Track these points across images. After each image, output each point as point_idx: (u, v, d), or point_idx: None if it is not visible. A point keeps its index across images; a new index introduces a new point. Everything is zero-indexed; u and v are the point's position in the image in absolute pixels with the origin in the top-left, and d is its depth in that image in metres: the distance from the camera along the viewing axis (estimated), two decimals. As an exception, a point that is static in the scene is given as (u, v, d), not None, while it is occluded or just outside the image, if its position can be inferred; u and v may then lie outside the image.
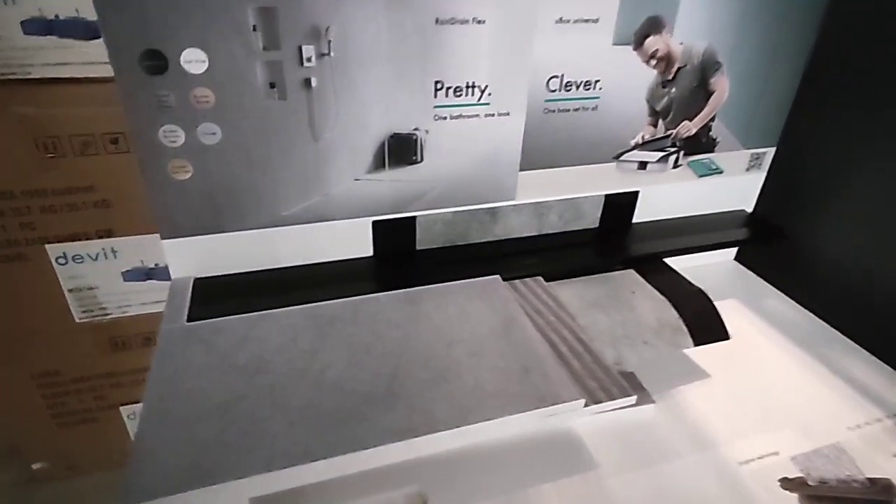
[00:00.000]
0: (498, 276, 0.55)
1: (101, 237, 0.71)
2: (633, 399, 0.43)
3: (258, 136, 0.48)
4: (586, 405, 0.42)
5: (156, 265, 0.74)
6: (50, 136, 0.63)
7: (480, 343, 0.46)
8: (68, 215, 0.68)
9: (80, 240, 0.70)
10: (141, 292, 0.76)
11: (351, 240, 0.57)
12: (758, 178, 0.72)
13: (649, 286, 0.58)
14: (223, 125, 0.47)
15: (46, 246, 0.70)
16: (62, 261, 0.72)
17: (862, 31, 0.59)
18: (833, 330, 0.64)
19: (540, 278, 0.57)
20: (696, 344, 0.53)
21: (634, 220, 0.69)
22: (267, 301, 0.51)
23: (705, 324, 0.55)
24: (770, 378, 0.56)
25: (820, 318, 0.66)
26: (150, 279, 0.75)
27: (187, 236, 0.51)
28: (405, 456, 0.38)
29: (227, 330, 0.46)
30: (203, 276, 0.54)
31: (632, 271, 0.61)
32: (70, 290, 0.74)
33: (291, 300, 0.51)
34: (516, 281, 0.56)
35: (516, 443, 0.47)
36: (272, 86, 0.47)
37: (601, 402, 0.42)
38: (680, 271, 0.67)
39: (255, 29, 0.44)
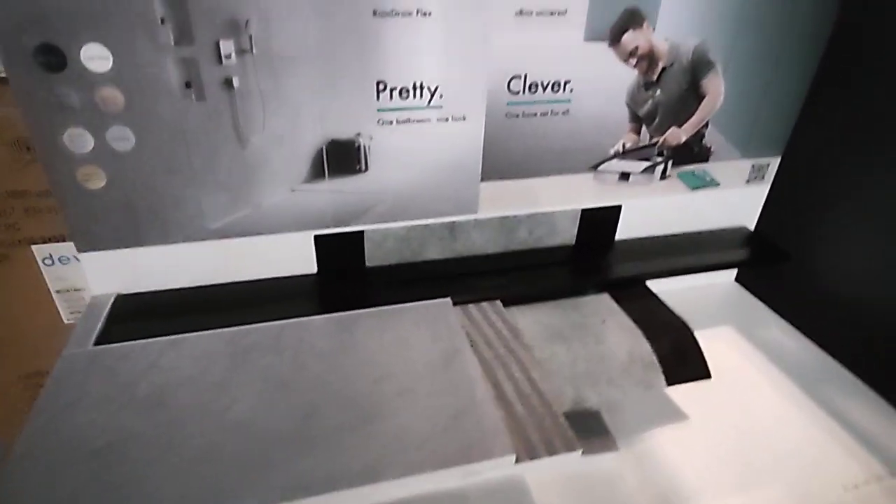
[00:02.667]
0: (448, 300, 0.49)
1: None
2: (576, 455, 0.37)
3: (176, 141, 0.44)
4: (518, 460, 0.36)
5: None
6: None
7: (414, 379, 0.40)
8: (52, 216, 0.65)
9: (66, 241, 0.68)
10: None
11: (292, 256, 0.52)
12: (760, 192, 0.64)
13: (624, 314, 0.51)
14: (136, 129, 0.43)
15: (32, 247, 0.67)
16: (48, 262, 0.69)
17: (881, 31, 0.51)
18: (837, 365, 0.57)
19: (498, 303, 0.51)
20: (670, 383, 0.47)
21: (617, 237, 0.62)
22: (192, 322, 0.46)
23: (682, 360, 0.48)
24: (759, 422, 0.49)
25: (825, 350, 0.58)
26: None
27: (106, 249, 0.47)
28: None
29: (134, 356, 0.42)
30: (127, 292, 0.50)
31: (606, 296, 0.54)
32: (57, 291, 0.72)
33: (219, 321, 0.46)
34: (471, 305, 0.50)
35: (446, 492, 0.41)
36: (188, 86, 0.42)
37: (538, 457, 0.36)
38: (674, 293, 0.60)
39: (163, 22, 0.39)
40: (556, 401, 0.43)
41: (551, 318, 0.51)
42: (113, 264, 0.48)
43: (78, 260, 0.67)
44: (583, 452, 0.43)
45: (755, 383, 0.54)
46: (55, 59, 0.39)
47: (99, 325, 0.45)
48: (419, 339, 0.44)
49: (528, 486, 0.43)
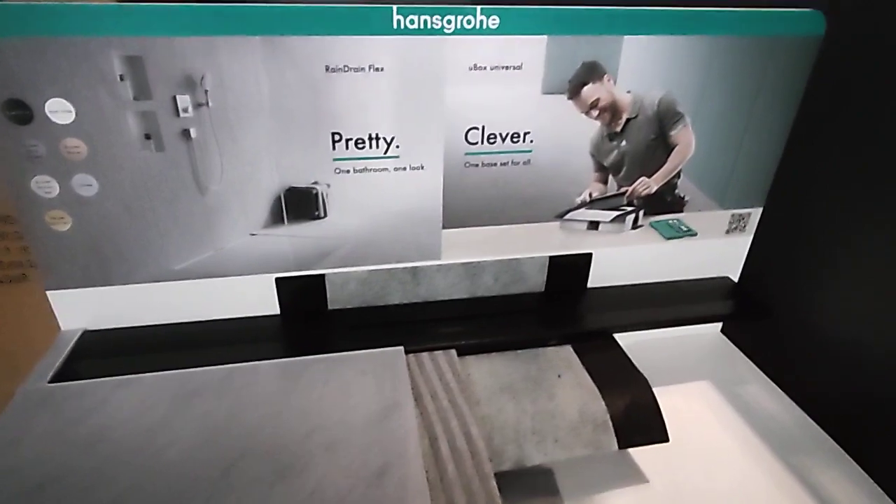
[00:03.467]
0: (401, 349, 0.49)
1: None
2: (499, 522, 0.36)
3: (137, 188, 0.46)
4: (438, 527, 0.35)
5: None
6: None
7: (347, 433, 0.40)
8: None
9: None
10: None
11: (255, 297, 0.53)
12: (743, 242, 0.62)
13: (582, 369, 0.50)
14: (98, 176, 0.45)
15: None
16: None
17: (862, 79, 0.49)
18: (818, 429, 0.53)
19: (452, 352, 0.50)
20: (622, 446, 0.45)
21: (590, 284, 0.61)
22: (151, 361, 0.48)
23: (638, 421, 0.46)
24: (722, 489, 0.47)
25: (808, 414, 0.55)
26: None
27: (74, 288, 0.49)
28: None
29: (85, 395, 0.43)
30: (94, 328, 0.52)
31: (568, 348, 0.53)
32: None
33: (177, 361, 0.47)
34: (424, 354, 0.50)
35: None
36: (148, 137, 0.44)
37: (460, 523, 0.35)
38: (655, 342, 0.58)
39: (122, 78, 0.42)
40: (494, 460, 0.42)
41: (507, 369, 0.50)
42: (81, 301, 0.50)
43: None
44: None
45: (725, 446, 0.52)
46: (22, 112, 0.41)
47: (59, 361, 0.47)
48: (362, 389, 0.44)
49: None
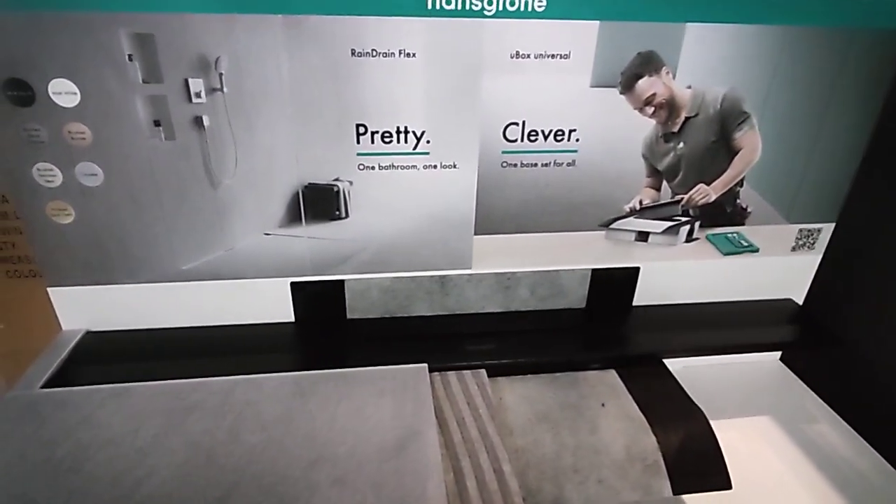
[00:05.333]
0: (424, 366, 0.44)
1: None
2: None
3: (145, 179, 0.42)
4: (462, 585, 0.29)
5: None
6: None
7: (358, 465, 0.35)
8: None
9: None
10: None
11: (267, 302, 0.49)
12: (810, 262, 0.56)
13: (629, 397, 0.44)
14: (104, 165, 0.41)
15: None
16: None
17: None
18: (899, 477, 0.46)
19: (482, 372, 0.45)
20: (677, 492, 0.39)
21: (636, 302, 0.55)
22: (151, 368, 0.44)
23: (696, 463, 0.40)
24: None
25: (884, 456, 0.48)
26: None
27: (75, 285, 0.46)
28: None
29: (73, 405, 0.39)
30: (97, 329, 0.48)
31: (612, 372, 0.47)
32: None
33: (180, 369, 0.43)
34: (451, 373, 0.45)
35: None
36: (157, 124, 0.40)
37: (488, 582, 0.30)
38: (707, 370, 0.52)
39: (131, 59, 0.38)
40: (529, 500, 0.37)
41: (543, 394, 0.44)
42: (83, 301, 0.46)
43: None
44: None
45: (793, 493, 0.45)
46: (24, 93, 0.38)
47: (55, 364, 0.43)
48: (379, 413, 0.39)
49: None
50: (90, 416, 0.38)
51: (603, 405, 0.43)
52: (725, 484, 0.40)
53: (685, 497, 0.43)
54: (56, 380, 0.42)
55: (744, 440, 0.49)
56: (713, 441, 0.41)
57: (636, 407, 0.43)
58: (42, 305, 0.66)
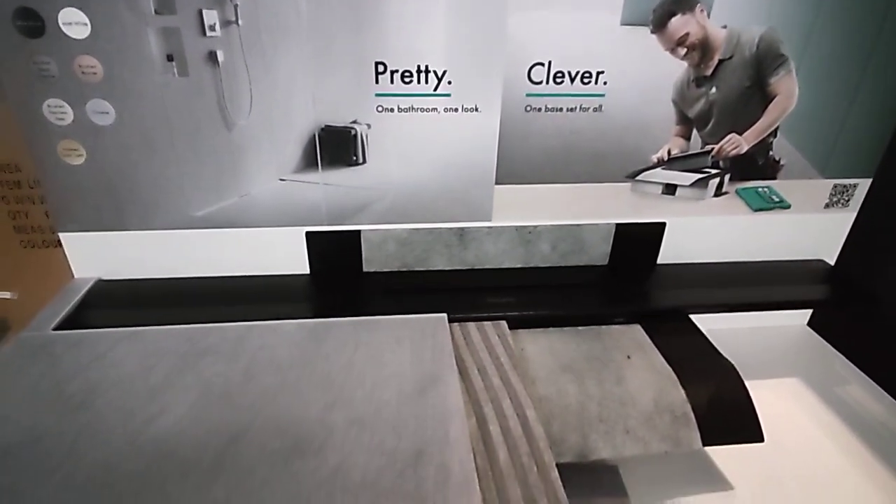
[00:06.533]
0: (444, 316, 0.42)
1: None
2: (566, 525, 0.29)
3: (157, 118, 0.41)
4: (488, 524, 0.28)
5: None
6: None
7: (375, 408, 0.34)
8: None
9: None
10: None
11: (282, 252, 0.48)
12: (844, 221, 0.53)
13: (656, 351, 0.43)
14: (115, 103, 0.40)
15: None
16: None
17: None
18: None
19: (503, 323, 0.43)
20: (707, 444, 0.37)
21: (660, 260, 0.53)
22: (163, 314, 0.43)
23: (727, 416, 0.38)
24: (824, 503, 0.39)
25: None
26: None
27: (86, 231, 0.45)
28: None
29: (86, 345, 0.38)
30: (109, 278, 0.47)
31: (637, 327, 0.45)
32: None
33: (193, 317, 0.42)
34: (471, 324, 0.43)
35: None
36: (170, 58, 0.39)
37: (515, 522, 0.29)
38: (732, 335, 0.50)
39: (143, -14, 0.36)
40: (553, 449, 0.35)
41: (566, 346, 0.43)
42: (95, 248, 0.46)
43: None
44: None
45: (824, 450, 0.43)
46: (34, 23, 0.37)
47: (66, 309, 0.42)
48: (397, 359, 0.38)
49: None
50: (102, 356, 0.37)
51: (629, 357, 0.42)
52: (758, 437, 0.38)
53: (714, 452, 0.42)
54: (67, 324, 0.41)
55: (773, 400, 0.48)
56: (745, 393, 0.39)
57: (663, 360, 0.42)
58: (57, 275, 0.66)
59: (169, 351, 0.38)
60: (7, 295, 0.63)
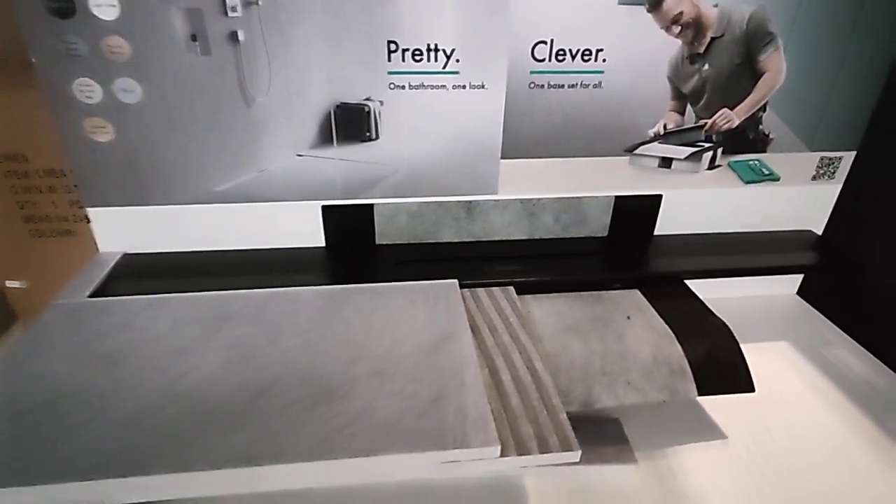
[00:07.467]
0: (455, 281, 0.45)
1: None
2: (574, 455, 0.32)
3: (181, 95, 0.43)
4: (504, 454, 0.31)
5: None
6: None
7: (395, 361, 0.36)
8: None
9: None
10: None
11: (299, 226, 0.50)
12: (830, 192, 0.56)
13: (654, 312, 0.45)
14: (142, 81, 0.42)
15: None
16: None
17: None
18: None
19: (510, 289, 0.46)
20: (702, 393, 0.40)
21: (657, 231, 0.56)
22: (189, 285, 0.45)
23: (721, 368, 0.41)
24: (812, 451, 0.41)
25: (900, 374, 0.49)
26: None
27: (112, 206, 0.47)
28: (243, 488, 0.30)
29: (114, 311, 0.40)
30: (133, 251, 0.49)
31: (636, 291, 0.48)
32: None
33: (215, 287, 0.44)
34: (481, 289, 0.46)
35: (428, 489, 0.36)
36: (194, 38, 0.41)
37: (528, 453, 0.31)
38: (725, 302, 0.53)
39: (168, -32, 0.39)
40: (560, 398, 0.38)
41: (570, 309, 0.46)
42: (121, 222, 0.48)
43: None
44: (595, 462, 0.37)
45: (812, 405, 0.46)
46: (65, 4, 0.39)
47: (96, 281, 0.44)
48: (412, 320, 0.40)
49: (527, 493, 0.37)
50: (130, 320, 0.39)
51: (629, 318, 0.45)
52: (749, 387, 0.41)
53: (709, 406, 0.45)
54: (96, 295, 0.44)
55: (762, 360, 0.50)
56: (737, 347, 0.42)
57: (661, 320, 0.44)
58: (65, 264, 0.68)
59: (194, 316, 0.40)
60: (17, 284, 0.65)
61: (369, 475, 0.30)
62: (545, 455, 0.31)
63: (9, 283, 0.64)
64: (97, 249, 0.49)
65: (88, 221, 0.48)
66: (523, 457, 0.31)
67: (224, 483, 0.29)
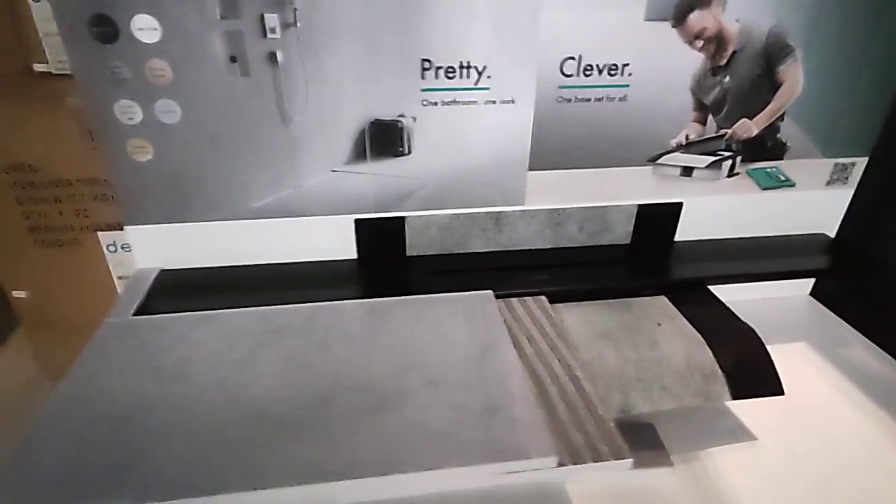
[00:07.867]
0: (490, 292, 0.46)
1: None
2: (627, 463, 0.33)
3: (220, 116, 0.44)
4: (561, 465, 0.32)
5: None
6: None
7: (445, 370, 0.37)
8: (118, 205, 0.67)
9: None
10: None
11: (332, 240, 0.51)
12: (843, 196, 0.58)
13: (682, 318, 0.47)
14: (182, 102, 0.43)
15: (98, 233, 0.70)
16: (112, 248, 0.71)
17: None
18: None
19: (543, 298, 0.47)
20: (735, 397, 0.42)
21: (677, 238, 0.57)
22: (229, 300, 0.46)
23: (751, 372, 0.43)
24: (839, 451, 0.43)
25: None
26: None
27: (153, 223, 0.48)
28: (312, 502, 0.31)
29: (167, 328, 0.41)
30: (170, 267, 0.50)
31: (663, 298, 0.50)
32: (119, 278, 0.74)
33: (255, 301, 0.45)
34: (514, 299, 0.47)
35: (477, 498, 0.38)
36: (233, 60, 0.42)
37: (583, 462, 0.33)
38: (741, 305, 0.54)
39: (211, -7, 0.39)
40: (601, 405, 0.39)
41: (600, 317, 0.47)
42: (158, 239, 0.48)
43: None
44: (633, 465, 0.38)
45: (838, 405, 0.48)
46: (108, 29, 0.40)
47: (140, 298, 0.45)
48: (455, 330, 0.42)
49: (569, 498, 0.39)
50: (185, 336, 0.40)
51: (659, 325, 0.46)
52: (779, 389, 0.42)
53: (738, 410, 0.46)
54: (140, 312, 0.44)
55: (784, 362, 0.52)
56: (765, 352, 0.44)
57: (690, 326, 0.46)
58: (68, 275, 0.68)
59: (246, 330, 0.41)
60: (22, 294, 0.65)
61: (430, 486, 0.32)
62: (599, 464, 0.33)
63: (15, 294, 0.65)
64: (136, 266, 0.50)
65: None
66: (578, 466, 0.32)
67: (301, 499, 0.30)
